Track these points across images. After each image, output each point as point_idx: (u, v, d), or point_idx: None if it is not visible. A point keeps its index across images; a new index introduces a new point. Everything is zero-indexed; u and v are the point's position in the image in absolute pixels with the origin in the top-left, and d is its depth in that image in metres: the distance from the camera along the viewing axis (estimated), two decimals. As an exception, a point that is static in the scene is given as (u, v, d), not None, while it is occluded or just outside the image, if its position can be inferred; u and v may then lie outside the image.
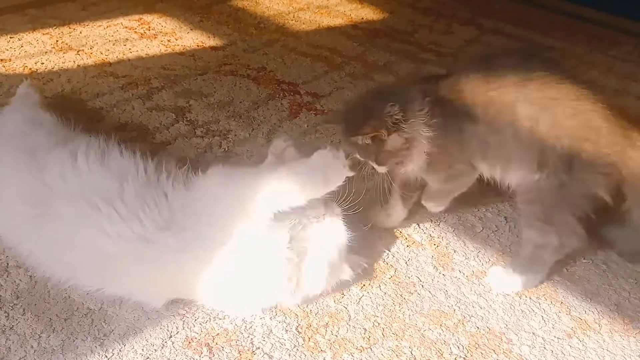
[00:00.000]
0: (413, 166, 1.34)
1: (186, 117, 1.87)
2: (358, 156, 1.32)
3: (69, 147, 1.31)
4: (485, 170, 1.36)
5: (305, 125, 1.91)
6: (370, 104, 1.31)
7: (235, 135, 1.82)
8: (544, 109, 1.25)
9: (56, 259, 1.21)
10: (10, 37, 2.24)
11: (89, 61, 2.14)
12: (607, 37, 3.02)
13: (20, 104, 1.60)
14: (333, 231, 1.24)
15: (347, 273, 1.27)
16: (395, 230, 1.50)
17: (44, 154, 1.29)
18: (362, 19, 2.90)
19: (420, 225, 1.53)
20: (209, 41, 2.43)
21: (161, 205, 1.19)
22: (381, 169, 1.34)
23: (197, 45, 2.38)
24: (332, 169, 1.21)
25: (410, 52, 2.56)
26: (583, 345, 1.24)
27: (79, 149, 1.29)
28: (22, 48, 2.17)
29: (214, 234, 1.15)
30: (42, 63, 2.08)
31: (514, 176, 1.34)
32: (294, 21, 2.76)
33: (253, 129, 1.86)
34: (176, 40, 2.40)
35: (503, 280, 1.36)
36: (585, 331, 1.27)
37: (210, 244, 1.15)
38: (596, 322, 1.30)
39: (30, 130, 1.40)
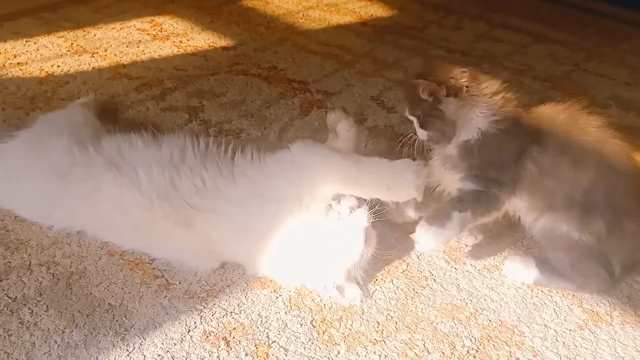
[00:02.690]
0: (457, 145, 1.29)
1: (199, 117, 1.90)
2: (407, 113, 1.31)
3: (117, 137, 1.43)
4: (519, 206, 1.32)
5: (317, 123, 1.93)
6: (446, 66, 1.29)
7: (248, 134, 1.85)
8: (613, 174, 1.26)
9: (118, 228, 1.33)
10: (26, 41, 2.29)
11: (104, 63, 2.18)
12: (618, 30, 3.01)
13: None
14: (347, 237, 1.24)
15: (352, 291, 1.28)
16: (407, 225, 1.52)
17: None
18: (372, 16, 2.91)
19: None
20: (220, 41, 2.46)
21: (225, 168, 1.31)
22: (422, 134, 1.31)
23: (209, 46, 2.41)
24: (404, 183, 1.22)
25: (420, 48, 2.57)
26: (595, 336, 1.25)
27: (130, 136, 1.42)
28: (37, 51, 2.22)
29: (276, 203, 1.24)
30: (58, 66, 2.12)
31: (545, 222, 1.31)
32: (303, 20, 2.79)
33: (265, 128, 1.88)
34: (188, 41, 2.44)
35: (519, 270, 1.37)
36: (597, 323, 1.29)
37: (269, 213, 1.24)
38: (608, 314, 1.31)
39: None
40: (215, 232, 1.27)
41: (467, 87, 1.25)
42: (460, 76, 1.25)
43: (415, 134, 1.34)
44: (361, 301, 1.28)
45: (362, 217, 1.24)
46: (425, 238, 1.30)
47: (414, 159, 1.31)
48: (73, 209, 1.36)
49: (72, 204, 1.35)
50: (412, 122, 1.35)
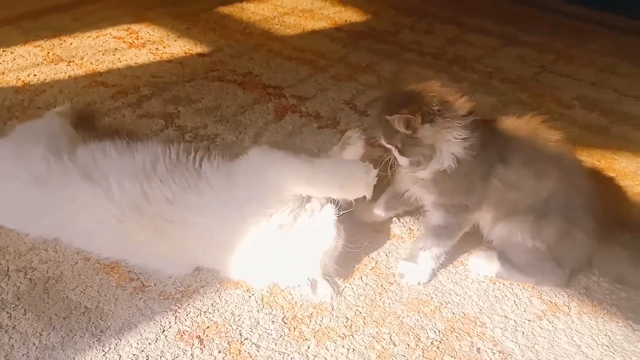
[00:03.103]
0: (431, 171, 1.31)
1: (175, 123, 1.94)
2: (383, 142, 1.33)
3: (92, 145, 1.47)
4: (483, 217, 1.38)
5: (291, 127, 1.98)
6: (414, 92, 1.29)
7: (223, 139, 1.89)
8: (569, 187, 1.33)
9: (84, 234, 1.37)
10: (3, 51, 2.32)
11: (80, 72, 2.21)
12: (588, 31, 3.10)
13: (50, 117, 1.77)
14: (320, 230, 1.31)
15: (324, 288, 1.33)
16: (376, 224, 1.57)
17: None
18: (346, 21, 2.97)
19: (401, 219, 1.60)
20: (196, 48, 2.51)
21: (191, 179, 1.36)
22: (403, 161, 1.34)
23: (185, 53, 2.46)
24: (355, 181, 1.30)
25: (392, 52, 2.64)
26: (553, 326, 1.32)
27: (105, 144, 1.46)
28: (14, 61, 2.24)
29: (240, 210, 1.29)
30: (35, 75, 2.15)
31: (503, 232, 1.38)
32: (279, 26, 2.84)
33: (240, 133, 1.93)
34: (164, 48, 2.48)
35: (482, 264, 1.43)
36: (555, 313, 1.35)
37: (233, 221, 1.29)
38: (566, 305, 1.38)
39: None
40: (186, 242, 1.31)
41: (439, 111, 1.25)
42: (433, 101, 1.25)
43: (393, 159, 1.36)
44: (332, 298, 1.33)
45: (331, 211, 1.31)
46: (409, 274, 1.40)
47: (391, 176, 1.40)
48: (50, 218, 1.39)
49: (49, 212, 1.38)
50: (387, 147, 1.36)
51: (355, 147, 1.54)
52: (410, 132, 1.25)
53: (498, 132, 1.34)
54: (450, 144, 1.27)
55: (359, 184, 1.30)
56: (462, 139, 1.26)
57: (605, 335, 1.31)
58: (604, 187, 1.80)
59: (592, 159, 1.93)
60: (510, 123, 1.37)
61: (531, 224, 1.33)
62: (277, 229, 1.28)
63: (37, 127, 1.63)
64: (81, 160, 1.41)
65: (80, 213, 1.34)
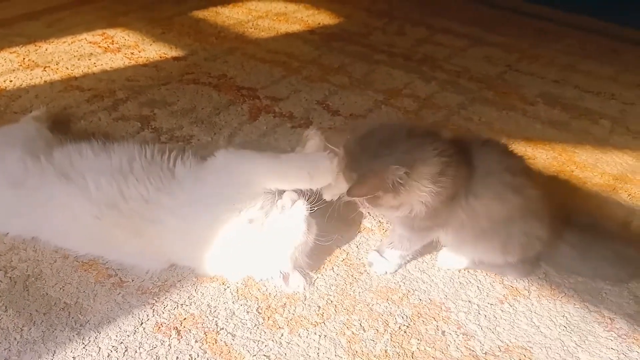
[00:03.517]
0: (398, 216, 1.31)
1: (151, 125, 1.99)
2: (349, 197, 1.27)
3: (68, 147, 1.52)
4: (443, 234, 1.40)
5: (265, 127, 2.04)
6: (378, 150, 1.21)
7: (198, 139, 1.94)
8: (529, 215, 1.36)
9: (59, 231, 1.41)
10: (-22, 57, 2.33)
11: (56, 77, 2.24)
12: (552, 31, 3.22)
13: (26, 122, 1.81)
14: (290, 225, 1.36)
15: (296, 279, 1.39)
16: (348, 218, 1.64)
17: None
18: (319, 24, 3.04)
19: (371, 214, 1.67)
20: (171, 52, 2.55)
21: (165, 179, 1.41)
22: (371, 210, 1.40)
23: (160, 57, 2.50)
24: (322, 170, 1.38)
25: (364, 54, 2.71)
26: (513, 309, 1.39)
27: (81, 145, 1.50)
28: (-11, 67, 2.27)
29: (210, 208, 1.35)
30: (10, 81, 2.18)
31: (470, 252, 1.45)
32: (253, 29, 2.90)
33: (215, 133, 1.98)
34: (139, 52, 2.51)
35: (451, 258, 1.50)
36: (515, 297, 1.43)
37: (205, 219, 1.35)
38: (526, 289, 1.45)
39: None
40: (161, 241, 1.36)
41: (401, 183, 1.18)
42: (396, 174, 1.18)
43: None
44: (304, 288, 1.39)
45: (302, 207, 1.37)
46: (377, 265, 1.47)
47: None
48: (28, 218, 1.43)
49: (27, 212, 1.42)
50: None
51: (314, 141, 1.63)
52: (374, 198, 1.23)
53: (462, 161, 1.28)
54: (421, 196, 1.22)
55: (325, 173, 1.38)
56: (433, 190, 1.21)
57: (563, 316, 1.39)
58: (559, 181, 1.89)
59: (553, 152, 2.03)
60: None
61: (500, 245, 1.39)
62: (247, 224, 1.33)
63: (13, 132, 1.66)
64: (58, 160, 1.44)
65: (57, 212, 1.38)
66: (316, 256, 1.45)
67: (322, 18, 3.12)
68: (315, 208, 1.39)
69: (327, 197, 1.45)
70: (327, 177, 1.38)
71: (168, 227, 1.35)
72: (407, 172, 1.17)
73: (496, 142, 1.40)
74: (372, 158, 1.21)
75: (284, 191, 1.40)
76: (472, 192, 1.28)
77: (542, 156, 1.99)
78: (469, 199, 1.28)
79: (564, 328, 1.35)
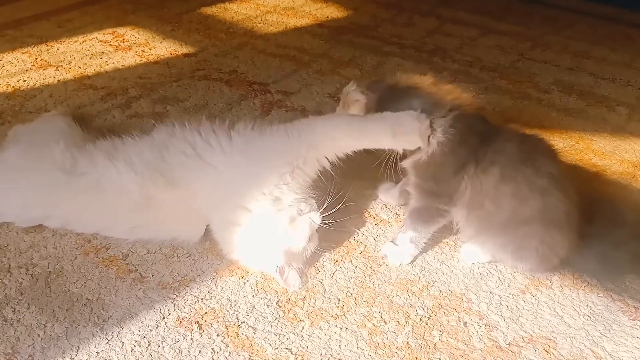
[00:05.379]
0: (411, 161, 1.40)
1: (164, 122, 1.98)
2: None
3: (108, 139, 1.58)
4: (459, 216, 1.43)
5: (277, 121, 2.03)
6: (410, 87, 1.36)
7: (212, 135, 1.94)
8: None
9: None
10: (-9, 58, 2.34)
11: (69, 76, 2.25)
12: (562, 18, 3.19)
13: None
14: (295, 230, 1.36)
15: (292, 277, 1.38)
16: (364, 211, 1.63)
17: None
18: (327, 17, 3.03)
19: (388, 205, 1.66)
20: (182, 49, 2.55)
21: (220, 133, 1.46)
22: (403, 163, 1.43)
23: (171, 54, 2.50)
24: (408, 129, 1.30)
25: (374, 46, 2.70)
26: (536, 299, 1.38)
27: (120, 136, 1.56)
28: (3, 68, 2.27)
29: (265, 163, 1.38)
30: (24, 81, 2.19)
31: (487, 248, 1.45)
32: (262, 24, 2.89)
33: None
34: (150, 50, 2.52)
35: (476, 253, 1.48)
36: (537, 287, 1.42)
37: (255, 172, 1.38)
38: (548, 279, 1.44)
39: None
40: (202, 188, 1.39)
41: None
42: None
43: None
44: (299, 288, 1.37)
45: (315, 216, 1.38)
46: (391, 256, 1.47)
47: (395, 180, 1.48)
48: (77, 204, 1.44)
49: (79, 196, 1.44)
50: None
51: (359, 103, 1.52)
52: None
53: (481, 132, 1.38)
54: (432, 142, 1.34)
55: (412, 132, 1.29)
56: (440, 134, 1.34)
57: (587, 306, 1.37)
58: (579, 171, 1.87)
59: (571, 140, 2.01)
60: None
61: (513, 248, 1.40)
62: (270, 202, 1.35)
63: (47, 126, 1.70)
64: (103, 147, 1.50)
65: (107, 191, 1.41)
66: (334, 249, 1.45)
67: (330, 11, 3.11)
68: (331, 222, 1.41)
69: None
70: (413, 137, 1.30)
71: (214, 171, 1.39)
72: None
73: (538, 139, 1.42)
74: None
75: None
76: (481, 164, 1.34)
77: (560, 145, 1.97)
78: (474, 169, 1.35)
79: (588, 317, 1.34)
